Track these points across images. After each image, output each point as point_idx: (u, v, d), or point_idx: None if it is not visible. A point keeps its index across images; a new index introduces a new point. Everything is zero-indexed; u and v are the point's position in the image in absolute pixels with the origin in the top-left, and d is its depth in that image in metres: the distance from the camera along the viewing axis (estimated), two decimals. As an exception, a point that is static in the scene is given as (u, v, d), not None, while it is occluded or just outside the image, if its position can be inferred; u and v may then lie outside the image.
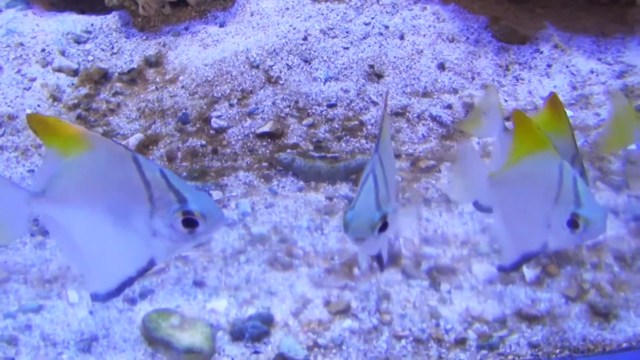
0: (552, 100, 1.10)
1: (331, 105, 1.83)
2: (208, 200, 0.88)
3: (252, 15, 2.13)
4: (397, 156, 1.73)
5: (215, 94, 1.87)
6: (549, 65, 1.88)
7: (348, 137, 1.76)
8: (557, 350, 1.10)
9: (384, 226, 0.89)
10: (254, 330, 1.12)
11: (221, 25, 2.12)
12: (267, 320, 1.16)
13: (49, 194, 0.87)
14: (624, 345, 1.11)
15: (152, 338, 1.09)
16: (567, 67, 1.87)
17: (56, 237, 0.94)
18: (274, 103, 1.83)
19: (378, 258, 1.03)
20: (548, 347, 1.11)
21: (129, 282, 0.90)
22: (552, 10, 2.00)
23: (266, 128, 1.77)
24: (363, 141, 1.76)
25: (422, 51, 1.96)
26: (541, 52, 1.91)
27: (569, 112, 1.74)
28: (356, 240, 0.90)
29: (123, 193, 0.86)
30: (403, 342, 1.14)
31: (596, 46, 1.91)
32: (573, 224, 0.96)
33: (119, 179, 0.86)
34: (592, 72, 1.84)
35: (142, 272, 0.89)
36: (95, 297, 0.90)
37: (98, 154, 0.85)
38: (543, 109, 1.12)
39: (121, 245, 0.88)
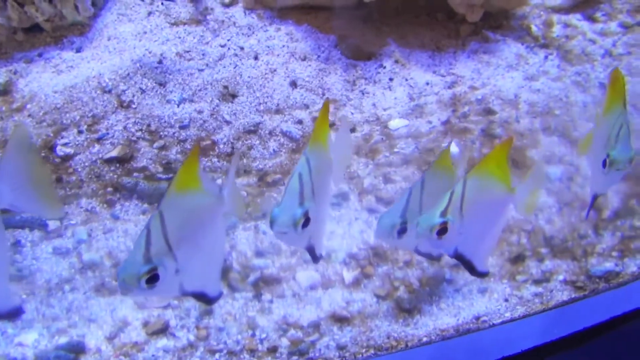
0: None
1: (183, 127, 1.84)
2: None
3: (109, 39, 2.11)
4: (248, 172, 1.76)
5: (64, 121, 1.83)
6: (391, 79, 1.99)
7: (200, 156, 1.77)
8: (363, 350, 1.15)
9: (152, 279, 0.92)
10: (57, 360, 1.10)
11: (77, 51, 2.09)
12: (75, 349, 1.13)
13: None
14: (425, 339, 1.17)
15: (-61, 379, 1.04)
16: (406, 80, 1.99)
17: None
18: (125, 127, 1.82)
19: (194, 294, 1.03)
20: (355, 347, 1.16)
21: None
22: (395, 28, 2.13)
23: (114, 153, 1.75)
24: (215, 160, 1.78)
25: (275, 70, 2.02)
26: (384, 67, 2.02)
27: (404, 122, 1.86)
28: (124, 292, 0.92)
29: None
30: (217, 355, 1.15)
31: (431, 60, 2.05)
32: None
33: None
34: (427, 84, 1.96)
35: None
36: None
37: None
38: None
39: None
